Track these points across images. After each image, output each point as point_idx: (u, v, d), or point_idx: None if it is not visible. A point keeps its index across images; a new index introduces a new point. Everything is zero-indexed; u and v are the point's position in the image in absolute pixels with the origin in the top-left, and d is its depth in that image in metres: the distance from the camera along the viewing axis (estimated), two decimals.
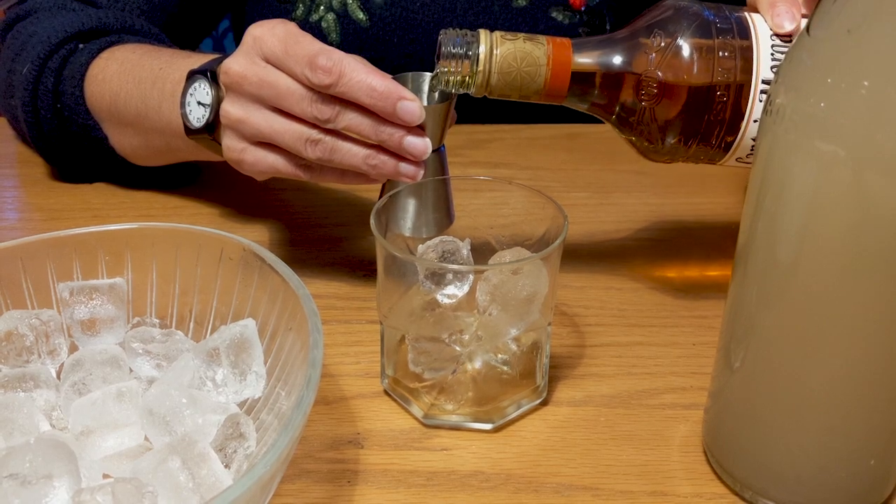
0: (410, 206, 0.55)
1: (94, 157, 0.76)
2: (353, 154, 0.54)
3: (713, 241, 0.70)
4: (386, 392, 0.54)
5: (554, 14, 0.88)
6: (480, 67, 0.52)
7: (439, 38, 0.53)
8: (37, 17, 0.76)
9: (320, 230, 0.72)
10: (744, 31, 0.53)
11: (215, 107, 0.58)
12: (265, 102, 0.55)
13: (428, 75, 0.57)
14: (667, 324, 0.60)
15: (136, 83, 0.68)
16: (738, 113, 0.53)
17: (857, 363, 0.40)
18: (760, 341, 0.43)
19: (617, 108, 0.55)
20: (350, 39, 0.87)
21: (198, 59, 0.64)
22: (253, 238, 0.52)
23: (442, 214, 0.56)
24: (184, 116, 0.60)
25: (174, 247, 0.53)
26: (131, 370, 0.50)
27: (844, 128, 0.36)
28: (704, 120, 0.53)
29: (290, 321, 0.47)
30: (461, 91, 0.54)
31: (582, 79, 0.54)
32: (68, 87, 0.72)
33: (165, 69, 0.67)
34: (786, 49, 0.53)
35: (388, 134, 0.53)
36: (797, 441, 0.43)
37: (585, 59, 0.54)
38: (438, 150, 0.56)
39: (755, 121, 0.53)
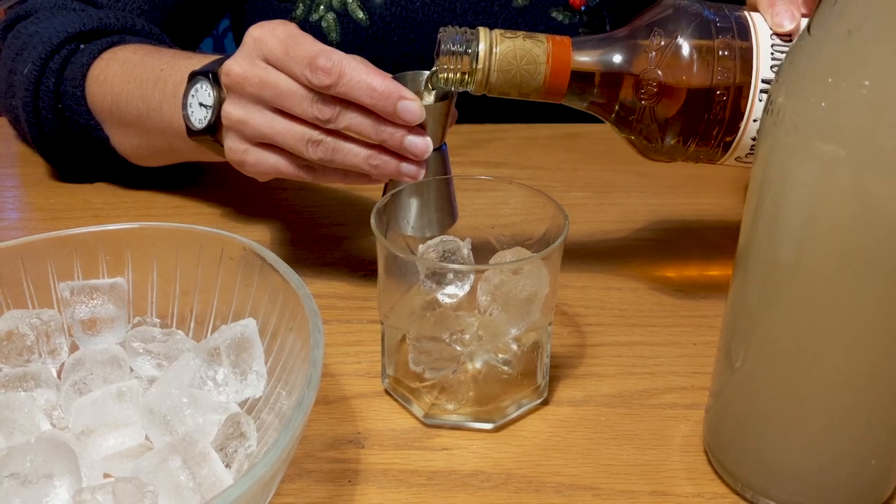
0: (413, 206, 0.55)
1: (95, 157, 0.76)
2: (354, 154, 0.54)
3: (713, 240, 0.70)
4: (387, 392, 0.54)
5: (554, 14, 0.88)
6: (480, 65, 0.52)
7: (439, 35, 0.53)
8: (37, 17, 0.76)
9: (321, 230, 0.72)
10: (744, 31, 0.53)
11: (217, 108, 0.58)
12: (266, 103, 0.55)
13: (425, 74, 0.57)
14: (667, 323, 0.60)
15: (138, 84, 0.68)
16: (738, 112, 0.53)
17: (858, 362, 0.40)
18: (761, 341, 0.43)
19: (616, 107, 0.55)
20: (350, 39, 0.87)
21: (199, 60, 0.64)
22: (254, 238, 0.52)
23: (444, 213, 0.56)
24: (185, 118, 0.60)
25: (175, 246, 0.53)
26: (132, 370, 0.50)
27: (845, 128, 0.36)
28: (704, 119, 0.53)
29: (291, 321, 0.47)
30: (460, 89, 0.54)
31: (581, 77, 0.54)
32: (69, 87, 0.72)
33: (167, 70, 0.66)
34: (786, 49, 0.53)
35: (389, 134, 0.53)
36: (798, 440, 0.43)
37: (585, 58, 0.54)
38: (440, 149, 0.56)
39: (755, 120, 0.53)
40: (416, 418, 0.52)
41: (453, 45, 0.52)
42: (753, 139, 0.54)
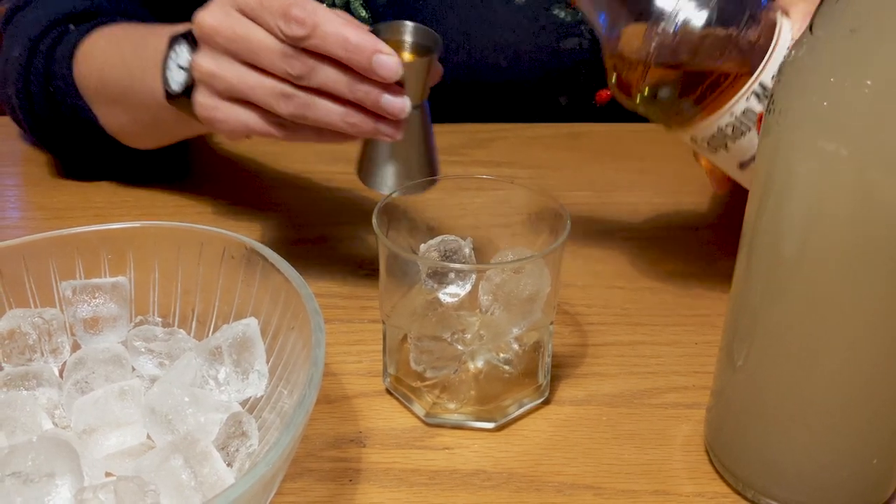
0: (390, 164, 0.53)
1: (85, 141, 0.74)
2: (328, 111, 0.52)
3: (716, 240, 0.70)
4: (388, 391, 0.54)
5: (556, 11, 0.87)
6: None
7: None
8: (34, 6, 0.76)
9: (322, 229, 0.72)
10: (769, 30, 0.53)
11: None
12: (238, 56, 0.53)
13: (409, 25, 0.55)
14: (669, 322, 0.60)
15: (121, 56, 0.67)
16: (723, 98, 0.53)
17: (860, 362, 0.40)
18: (763, 340, 0.43)
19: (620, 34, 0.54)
20: None
21: (184, 27, 0.61)
22: (255, 237, 0.52)
23: (423, 173, 0.55)
24: (164, 82, 0.58)
25: (176, 246, 0.53)
26: (134, 369, 0.50)
27: (847, 127, 0.36)
28: (696, 85, 0.53)
29: (293, 320, 0.47)
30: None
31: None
32: (59, 68, 0.71)
33: (148, 37, 0.65)
34: None
35: (365, 92, 0.51)
36: (799, 440, 0.43)
37: None
38: (421, 107, 0.54)
39: (731, 114, 0.53)
40: (418, 417, 0.52)
41: None
42: (719, 130, 0.54)
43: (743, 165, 0.56)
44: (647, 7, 0.52)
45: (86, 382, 0.47)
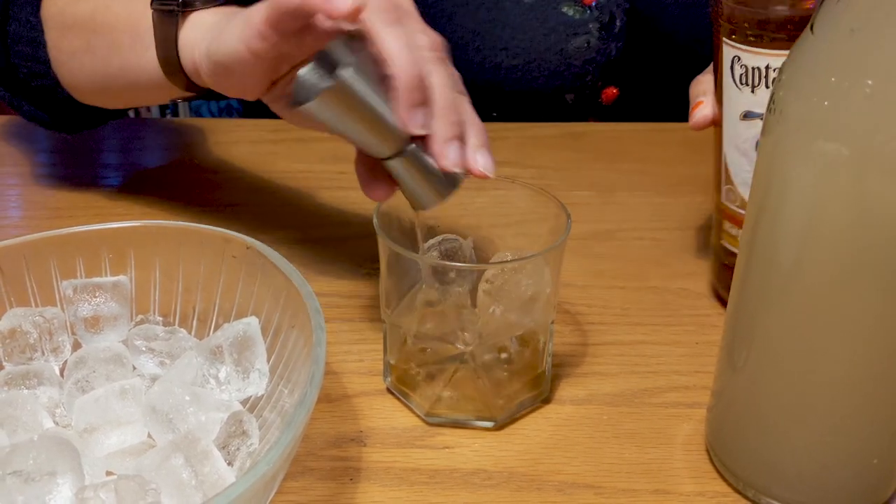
0: (417, 183, 0.48)
1: (42, 96, 0.71)
2: None
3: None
4: (388, 390, 0.54)
5: (564, 9, 0.88)
6: None
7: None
8: None
9: (323, 228, 0.72)
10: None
11: None
12: None
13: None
14: (670, 322, 0.60)
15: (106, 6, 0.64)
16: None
17: (860, 362, 0.40)
18: (763, 340, 0.43)
19: None
20: None
21: None
22: (256, 236, 0.52)
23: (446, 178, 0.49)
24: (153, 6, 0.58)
25: (177, 244, 0.53)
26: (134, 368, 0.50)
27: (848, 127, 0.36)
28: None
29: (294, 319, 0.47)
30: None
31: None
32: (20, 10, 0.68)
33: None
34: None
35: None
36: (800, 439, 0.43)
37: None
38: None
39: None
40: (418, 416, 0.52)
41: None
42: None
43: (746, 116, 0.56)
44: None
45: (87, 381, 0.47)
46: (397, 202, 0.53)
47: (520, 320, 0.50)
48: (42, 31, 0.68)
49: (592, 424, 0.51)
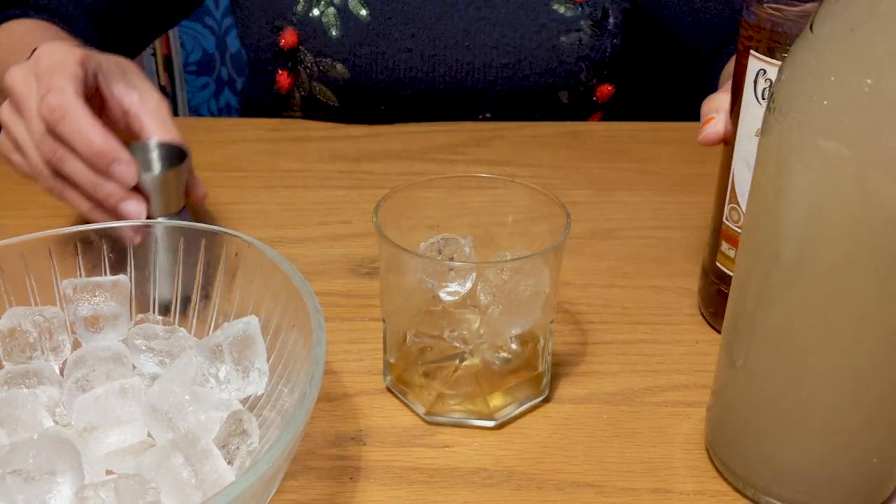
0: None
1: None
2: (77, 202, 0.57)
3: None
4: (388, 389, 0.54)
5: (555, 6, 0.88)
6: None
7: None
8: None
9: (323, 227, 0.72)
10: None
11: None
12: (22, 118, 0.57)
13: (157, 142, 0.61)
14: (670, 321, 0.60)
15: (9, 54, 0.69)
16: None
17: (860, 360, 0.40)
18: (763, 339, 0.43)
19: None
20: (350, 34, 0.87)
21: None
22: (256, 235, 0.52)
23: None
24: None
25: (177, 244, 0.53)
26: (134, 367, 0.50)
27: (848, 126, 0.36)
28: None
29: (293, 318, 0.47)
30: None
31: None
32: None
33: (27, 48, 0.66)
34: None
35: (106, 193, 0.55)
36: (800, 438, 0.43)
37: None
38: (179, 215, 0.59)
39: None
40: (418, 416, 0.52)
41: None
42: None
43: None
44: None
45: (86, 380, 0.47)
46: (397, 201, 0.53)
47: (519, 319, 0.50)
48: None
49: (592, 423, 0.51)
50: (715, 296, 0.59)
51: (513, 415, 0.51)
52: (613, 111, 0.95)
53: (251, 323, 0.49)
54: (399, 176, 0.80)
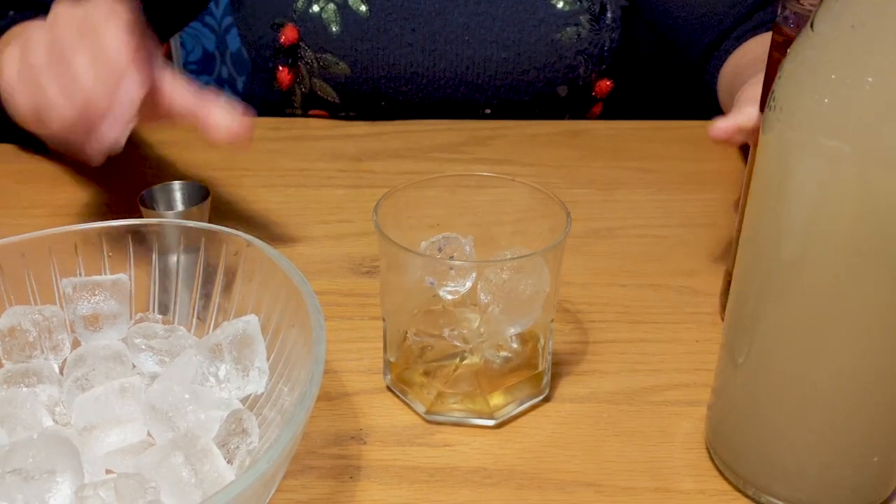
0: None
1: None
2: (57, 101, 0.52)
3: (717, 237, 0.70)
4: (388, 388, 0.54)
5: (554, 1, 0.88)
6: None
7: None
8: None
9: (323, 226, 0.72)
10: None
11: None
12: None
13: (177, 184, 0.63)
14: (670, 320, 0.60)
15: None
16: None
17: (861, 359, 0.40)
18: (764, 337, 0.43)
19: None
20: (351, 30, 0.87)
21: None
22: (256, 234, 0.52)
23: None
24: None
25: (176, 242, 0.53)
26: (134, 366, 0.50)
27: (849, 124, 0.36)
28: None
29: (293, 317, 0.47)
30: None
31: None
32: None
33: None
34: None
35: (99, 97, 0.52)
36: (801, 437, 0.43)
37: None
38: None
39: None
40: (418, 415, 0.52)
41: None
42: None
43: None
44: None
45: (86, 379, 0.47)
46: (398, 200, 0.53)
47: (519, 318, 0.50)
48: None
49: (593, 422, 0.51)
50: None
51: (513, 414, 0.51)
52: (613, 106, 0.95)
53: (251, 322, 0.49)
54: (399, 175, 0.80)
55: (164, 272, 0.54)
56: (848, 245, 0.38)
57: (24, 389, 0.47)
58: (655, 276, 0.65)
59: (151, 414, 0.45)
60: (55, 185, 0.78)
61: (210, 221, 0.59)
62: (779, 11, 0.52)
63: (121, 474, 0.41)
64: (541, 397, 0.53)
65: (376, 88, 0.90)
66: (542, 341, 0.51)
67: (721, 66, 0.85)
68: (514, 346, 0.51)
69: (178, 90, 0.57)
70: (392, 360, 0.53)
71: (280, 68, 0.91)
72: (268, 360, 0.49)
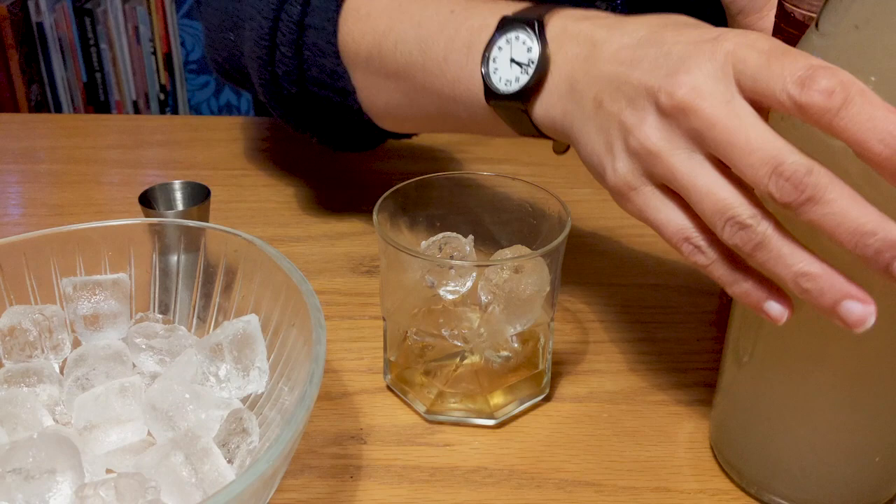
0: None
1: (330, 113, 0.61)
2: (785, 261, 0.36)
3: None
4: (388, 388, 0.54)
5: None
6: None
7: None
8: None
9: (323, 226, 0.72)
10: None
11: (540, 68, 0.45)
12: (705, 145, 0.38)
13: (177, 184, 0.62)
14: (671, 320, 0.60)
15: (415, 25, 0.53)
16: None
17: (865, 359, 0.40)
18: (769, 338, 0.42)
19: None
20: None
21: (504, 7, 0.49)
22: (256, 233, 0.52)
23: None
24: (485, 76, 0.47)
25: (177, 242, 0.53)
26: (134, 365, 0.50)
27: None
28: None
29: (294, 317, 0.47)
30: None
31: None
32: (317, 19, 0.57)
33: (458, 12, 0.51)
34: None
35: (875, 250, 0.34)
36: (804, 437, 0.43)
37: None
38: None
39: None
40: (418, 414, 0.52)
41: None
42: None
43: None
44: None
45: (86, 379, 0.47)
46: (398, 199, 0.53)
47: (520, 318, 0.50)
48: (341, 62, 0.58)
49: (593, 422, 0.51)
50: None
51: (513, 413, 0.51)
52: None
53: (251, 321, 0.49)
54: (400, 174, 0.80)
55: (165, 272, 0.54)
56: None
57: (25, 389, 0.47)
58: (655, 276, 0.65)
59: (152, 413, 0.45)
60: (55, 185, 0.78)
61: (210, 221, 0.59)
62: (778, 11, 0.52)
63: (121, 474, 0.41)
64: (541, 397, 0.53)
65: None
66: (542, 341, 0.51)
67: None
68: (515, 345, 0.51)
69: None
70: (392, 359, 0.53)
71: None
72: (268, 359, 0.49)
